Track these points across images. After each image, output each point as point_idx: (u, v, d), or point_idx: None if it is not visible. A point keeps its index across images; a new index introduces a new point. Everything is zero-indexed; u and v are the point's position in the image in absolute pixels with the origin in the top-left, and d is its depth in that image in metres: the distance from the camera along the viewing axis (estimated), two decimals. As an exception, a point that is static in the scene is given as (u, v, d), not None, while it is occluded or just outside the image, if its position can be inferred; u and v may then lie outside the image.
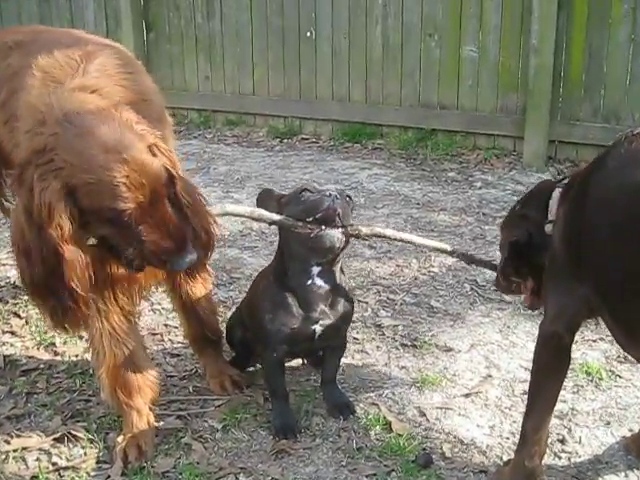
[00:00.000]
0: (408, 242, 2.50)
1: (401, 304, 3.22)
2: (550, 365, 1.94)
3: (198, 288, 2.50)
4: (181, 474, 2.15)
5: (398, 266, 3.63)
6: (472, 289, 3.35)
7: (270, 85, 6.19)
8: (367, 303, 3.24)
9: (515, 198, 4.43)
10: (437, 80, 5.51)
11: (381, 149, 5.73)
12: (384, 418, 2.38)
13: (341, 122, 5.96)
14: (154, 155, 1.93)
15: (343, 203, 2.15)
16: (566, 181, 2.03)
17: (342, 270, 2.35)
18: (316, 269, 2.22)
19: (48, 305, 2.00)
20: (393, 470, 2.15)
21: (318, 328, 2.26)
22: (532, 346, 2.74)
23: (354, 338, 2.92)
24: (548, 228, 1.99)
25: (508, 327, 2.98)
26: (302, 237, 2.15)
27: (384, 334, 2.96)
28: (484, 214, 4.31)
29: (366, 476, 2.13)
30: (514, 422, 2.37)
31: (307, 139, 6.11)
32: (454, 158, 5.38)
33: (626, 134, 1.72)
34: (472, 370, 2.69)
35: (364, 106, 5.84)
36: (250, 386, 2.59)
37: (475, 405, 2.48)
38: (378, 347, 2.87)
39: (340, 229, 2.13)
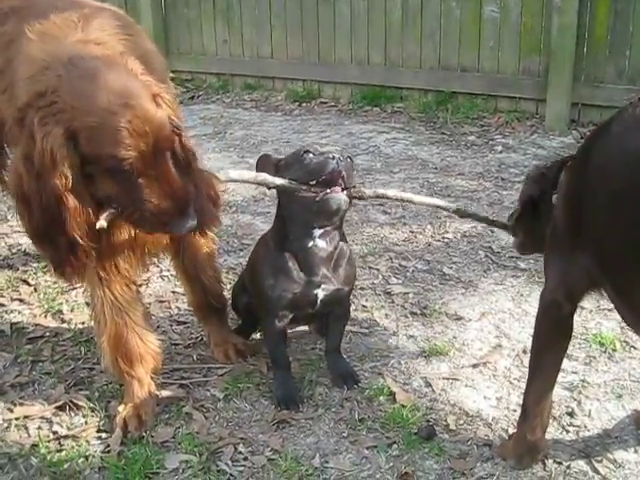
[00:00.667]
0: (411, 202, 2.43)
1: (413, 271, 3.16)
2: (550, 335, 1.88)
3: (202, 254, 2.45)
4: (180, 444, 2.13)
5: (412, 232, 3.56)
6: (486, 256, 3.27)
7: (288, 48, 6.09)
8: (378, 270, 3.18)
9: (535, 162, 4.36)
10: (458, 42, 5.36)
11: (400, 112, 5.62)
12: (388, 388, 2.34)
13: (360, 85, 5.86)
14: (159, 106, 1.87)
15: (346, 165, 2.08)
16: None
17: (343, 233, 2.29)
18: (318, 231, 2.16)
19: (48, 253, 1.97)
20: (395, 442, 2.11)
21: (321, 292, 2.21)
22: (545, 315, 2.71)
23: (362, 306, 2.87)
24: (554, 198, 1.91)
25: (521, 295, 2.91)
26: (306, 200, 2.10)
27: (394, 302, 2.90)
28: (503, 179, 4.21)
29: (367, 448, 2.09)
30: (522, 394, 2.30)
31: (326, 103, 6.02)
32: (475, 121, 5.26)
33: (633, 98, 1.63)
34: (482, 339, 2.63)
35: (383, 69, 5.73)
36: (255, 355, 2.55)
37: (483, 376, 2.43)
38: (387, 315, 2.81)
39: (344, 191, 2.08)
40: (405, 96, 5.70)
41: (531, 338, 2.55)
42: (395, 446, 2.09)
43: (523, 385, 2.32)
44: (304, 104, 6.02)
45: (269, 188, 2.25)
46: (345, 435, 2.16)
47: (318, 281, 2.20)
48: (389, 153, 4.76)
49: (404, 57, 5.62)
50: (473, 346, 2.59)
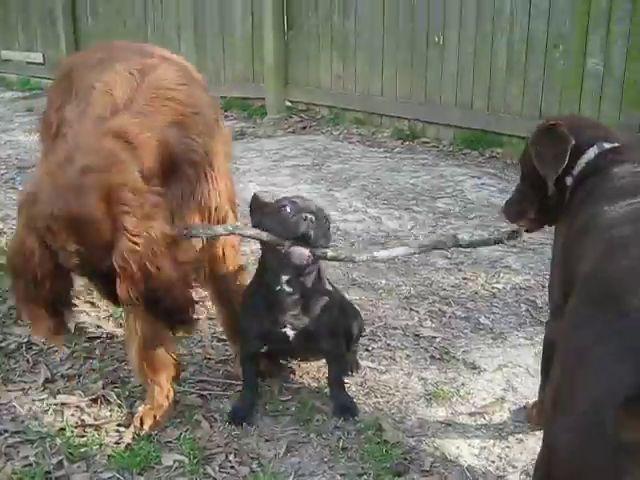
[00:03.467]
0: (376, 260, 2.59)
1: (450, 317, 3.28)
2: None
3: (234, 281, 2.72)
4: (181, 445, 2.40)
5: (464, 278, 3.68)
6: (527, 310, 3.34)
7: (398, 87, 6.32)
8: (417, 312, 3.33)
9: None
10: (559, 92, 5.38)
11: (497, 158, 5.70)
12: (379, 424, 2.50)
13: (462, 128, 5.99)
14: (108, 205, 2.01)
15: (318, 225, 2.32)
16: (616, 146, 2.11)
17: (323, 281, 2.53)
18: (284, 277, 2.42)
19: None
20: (366, 473, 2.27)
21: (290, 331, 2.46)
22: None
23: (387, 344, 3.04)
24: (568, 180, 2.11)
25: (544, 353, 2.96)
26: (275, 251, 2.38)
27: (419, 344, 3.05)
28: (574, 235, 4.20)
29: (340, 474, 2.27)
30: (507, 447, 2.41)
31: (428, 142, 6.19)
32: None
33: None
34: (488, 390, 2.72)
35: (485, 114, 5.82)
36: (273, 377, 2.79)
37: (476, 424, 2.53)
38: (408, 356, 2.96)
39: (308, 250, 2.31)
40: (505, 142, 5.77)
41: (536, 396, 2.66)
42: (365, 477, 2.26)
43: (511, 438, 2.46)
44: (407, 142, 6.22)
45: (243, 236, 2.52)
46: (326, 460, 2.35)
47: (284, 320, 2.46)
48: (471, 199, 4.87)
49: (506, 104, 5.70)
50: (478, 395, 2.69)
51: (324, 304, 2.53)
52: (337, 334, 2.60)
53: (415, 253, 2.54)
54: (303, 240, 2.31)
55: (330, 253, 2.40)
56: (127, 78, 2.32)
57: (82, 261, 2.04)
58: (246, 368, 2.61)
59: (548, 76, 5.41)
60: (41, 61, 9.00)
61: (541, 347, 2.96)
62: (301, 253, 2.31)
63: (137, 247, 2.01)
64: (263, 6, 6.73)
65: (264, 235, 2.39)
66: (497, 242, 2.57)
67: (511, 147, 5.66)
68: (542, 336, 3.04)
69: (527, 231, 2.44)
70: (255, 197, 2.54)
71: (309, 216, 2.31)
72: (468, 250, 4.00)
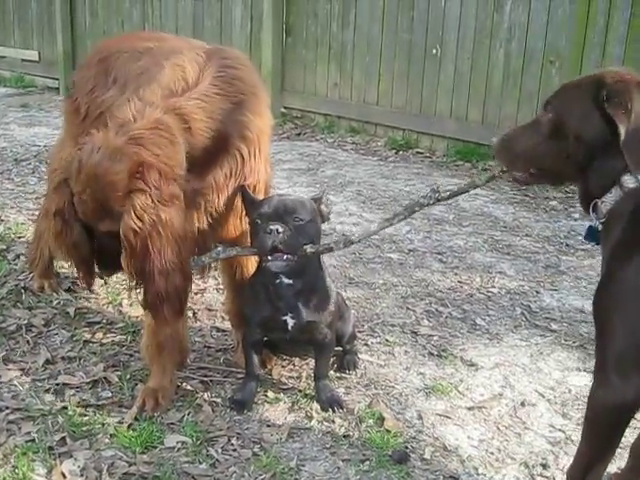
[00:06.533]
0: (350, 243, 2.56)
1: (446, 317, 3.33)
2: (605, 440, 1.83)
3: (247, 270, 2.75)
4: (184, 428, 2.42)
5: (460, 282, 3.72)
6: (522, 313, 3.39)
7: (393, 97, 6.39)
8: (414, 311, 3.37)
9: (606, 234, 4.41)
10: (554, 108, 5.46)
11: (490, 170, 5.75)
12: (380, 414, 2.53)
13: (456, 140, 6.06)
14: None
15: (287, 232, 2.36)
16: None
17: (322, 273, 2.58)
18: (282, 273, 2.47)
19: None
20: (368, 459, 2.30)
21: (289, 320, 2.51)
22: (557, 375, 2.83)
23: (386, 340, 3.08)
24: (629, 180, 1.82)
25: (541, 353, 3.01)
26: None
27: (417, 341, 3.09)
28: (567, 245, 4.28)
29: (342, 460, 2.30)
30: (506, 440, 2.45)
31: (422, 153, 6.25)
32: (561, 188, 5.32)
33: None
34: (485, 386, 2.77)
35: (480, 126, 5.90)
36: (274, 366, 2.81)
37: (474, 418, 2.57)
38: (406, 352, 3.00)
39: (285, 257, 2.38)
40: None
41: (534, 393, 2.72)
42: (367, 463, 2.29)
43: (509, 433, 2.49)
44: (401, 152, 6.28)
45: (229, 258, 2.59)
46: (327, 446, 2.37)
47: (284, 309, 2.50)
48: (465, 207, 4.93)
49: (501, 117, 5.78)
50: (476, 391, 2.73)
51: (323, 294, 2.57)
52: (332, 325, 2.64)
53: (390, 224, 2.47)
54: (275, 251, 2.37)
55: (309, 250, 2.43)
56: (196, 58, 2.44)
57: (89, 215, 2.20)
58: (249, 355, 2.63)
59: (544, 91, 5.50)
60: (36, 59, 8.99)
61: (537, 348, 3.04)
62: (277, 264, 2.39)
63: (139, 224, 2.12)
64: (262, 12, 6.79)
65: (246, 252, 2.52)
66: (476, 187, 2.49)
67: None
68: (538, 338, 3.14)
69: (518, 183, 2.14)
70: (244, 192, 2.50)
71: (274, 228, 2.34)
72: (463, 255, 4.07)
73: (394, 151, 6.31)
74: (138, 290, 2.30)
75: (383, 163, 6.00)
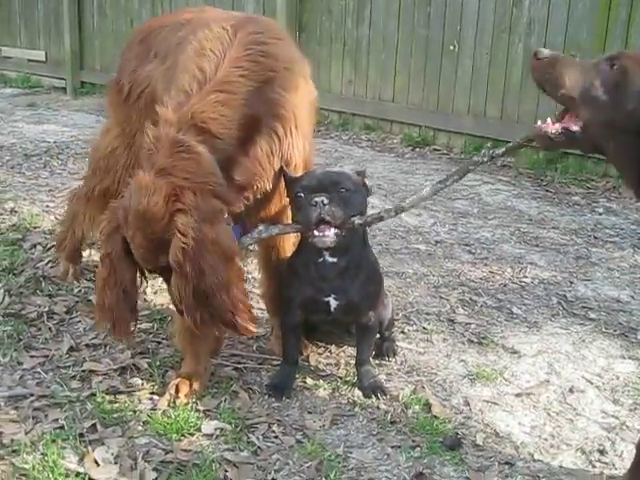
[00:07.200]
0: (401, 211, 2.42)
1: (481, 306, 3.21)
2: None
3: (284, 252, 2.63)
4: (220, 414, 2.30)
5: (491, 272, 3.61)
6: (559, 302, 3.27)
7: (409, 94, 6.29)
8: (448, 300, 3.26)
9: (635, 228, 4.31)
10: (575, 102, 5.37)
11: (510, 167, 5.66)
12: (426, 400, 2.41)
13: (474, 136, 5.95)
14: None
15: (333, 203, 2.23)
16: None
17: (367, 252, 2.46)
18: (325, 251, 2.35)
19: None
20: (418, 446, 2.18)
21: (332, 301, 2.39)
22: (602, 362, 2.72)
23: (423, 328, 2.96)
24: None
25: (583, 341, 2.90)
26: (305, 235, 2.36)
27: (454, 329, 2.97)
28: (596, 237, 4.17)
29: (391, 446, 2.18)
30: (558, 426, 2.33)
31: (439, 150, 6.15)
32: (582, 183, 5.22)
33: None
34: (531, 373, 2.65)
35: (499, 122, 5.80)
36: (310, 353, 2.69)
37: (523, 405, 2.45)
38: (445, 339, 2.89)
39: (332, 230, 2.24)
40: (518, 152, 5.74)
41: (581, 379, 2.60)
42: (418, 449, 2.17)
43: (561, 419, 2.38)
44: (417, 149, 6.17)
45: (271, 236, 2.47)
46: (374, 433, 2.26)
47: (328, 289, 2.37)
48: (488, 201, 4.82)
49: (520, 113, 5.68)
50: (521, 378, 2.62)
51: (368, 273, 2.45)
52: (377, 307, 2.52)
53: (445, 186, 2.30)
54: (322, 224, 2.24)
55: (357, 221, 2.30)
56: (220, 35, 2.32)
57: (147, 254, 2.18)
58: (288, 340, 2.51)
59: (564, 86, 5.41)
60: (43, 59, 8.88)
61: (578, 336, 2.93)
62: (323, 239, 2.26)
63: (187, 245, 2.08)
64: (275, 8, 6.69)
65: (289, 229, 2.39)
66: (528, 141, 2.18)
67: (524, 156, 5.64)
68: (577, 327, 3.02)
69: (545, 141, 1.95)
70: (284, 174, 2.38)
71: (319, 200, 2.22)
72: (492, 246, 3.96)
73: (410, 148, 6.20)
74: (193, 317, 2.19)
75: (401, 159, 5.89)
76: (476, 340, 2.88)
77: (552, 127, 1.92)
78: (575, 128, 1.89)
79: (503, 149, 2.26)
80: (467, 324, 3.02)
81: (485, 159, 2.26)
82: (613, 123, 1.84)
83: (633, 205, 4.81)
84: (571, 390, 2.54)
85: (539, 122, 1.97)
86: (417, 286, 3.39)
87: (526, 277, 3.57)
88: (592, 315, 3.14)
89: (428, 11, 6.04)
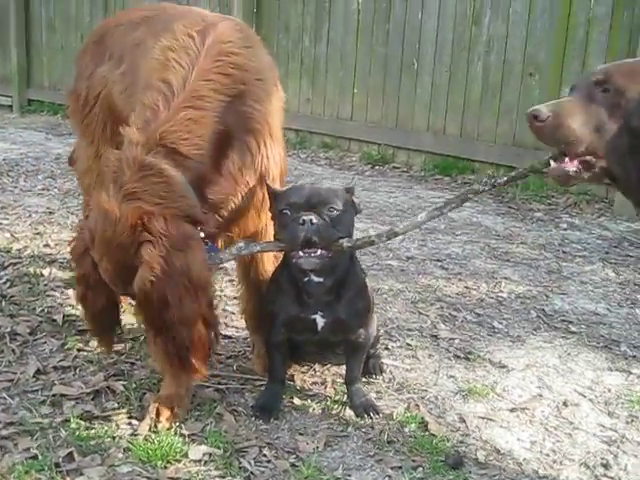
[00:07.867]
0: (394, 235, 2.34)
1: (462, 321, 3.14)
2: None
3: (266, 271, 2.51)
4: (207, 438, 2.15)
5: (466, 287, 3.55)
6: (538, 316, 3.23)
7: (368, 112, 6.26)
8: (427, 316, 3.18)
9: (600, 242, 4.33)
10: (535, 119, 5.40)
11: (470, 184, 5.63)
12: (421, 418, 2.31)
13: (434, 154, 5.95)
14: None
15: (321, 223, 2.11)
16: None
17: (355, 268, 2.35)
18: (310, 272, 2.23)
19: None
20: (420, 466, 2.08)
21: (319, 319, 2.26)
22: (591, 375, 2.67)
23: (407, 344, 2.87)
24: None
25: (569, 354, 2.85)
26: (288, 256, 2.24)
27: (439, 345, 2.89)
28: (564, 252, 4.16)
29: (391, 468, 2.07)
30: (558, 441, 2.26)
31: (398, 168, 6.12)
32: (543, 199, 5.25)
33: None
34: (523, 388, 2.58)
35: (458, 140, 5.81)
36: (294, 373, 2.57)
37: (519, 420, 2.37)
38: (430, 355, 2.80)
39: (319, 251, 2.12)
40: (477, 169, 5.76)
41: (574, 393, 2.54)
42: (420, 469, 2.06)
43: (560, 433, 2.30)
44: (377, 167, 6.14)
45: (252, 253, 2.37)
46: (371, 454, 2.14)
47: (314, 307, 2.25)
48: (454, 217, 4.78)
49: (480, 131, 5.70)
50: (513, 393, 2.55)
51: (356, 291, 2.34)
52: (367, 324, 2.41)
53: (441, 213, 2.22)
54: (309, 245, 2.11)
55: (346, 244, 2.18)
56: (186, 44, 2.20)
57: (113, 279, 2.10)
58: (273, 357, 2.38)
59: (523, 104, 5.44)
60: (-13, 76, 8.60)
61: (563, 350, 2.88)
62: (309, 261, 2.13)
63: (153, 277, 1.99)
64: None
65: (272, 247, 2.27)
66: (535, 171, 2.15)
67: (484, 174, 5.64)
68: (561, 340, 2.98)
69: (564, 179, 1.89)
70: (268, 188, 2.26)
71: (307, 219, 2.09)
72: (464, 262, 3.91)
73: (370, 166, 6.17)
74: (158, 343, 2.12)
75: (361, 177, 5.83)
76: (462, 355, 2.80)
77: (571, 165, 1.86)
78: (594, 161, 1.84)
79: (505, 178, 2.22)
80: (451, 339, 2.94)
81: (486, 187, 2.20)
82: (631, 145, 1.79)
83: (595, 221, 4.86)
84: (565, 404, 2.47)
85: (551, 162, 1.91)
86: (395, 302, 3.30)
87: (502, 292, 3.52)
88: (573, 328, 3.10)
89: (387, 29, 6.05)
